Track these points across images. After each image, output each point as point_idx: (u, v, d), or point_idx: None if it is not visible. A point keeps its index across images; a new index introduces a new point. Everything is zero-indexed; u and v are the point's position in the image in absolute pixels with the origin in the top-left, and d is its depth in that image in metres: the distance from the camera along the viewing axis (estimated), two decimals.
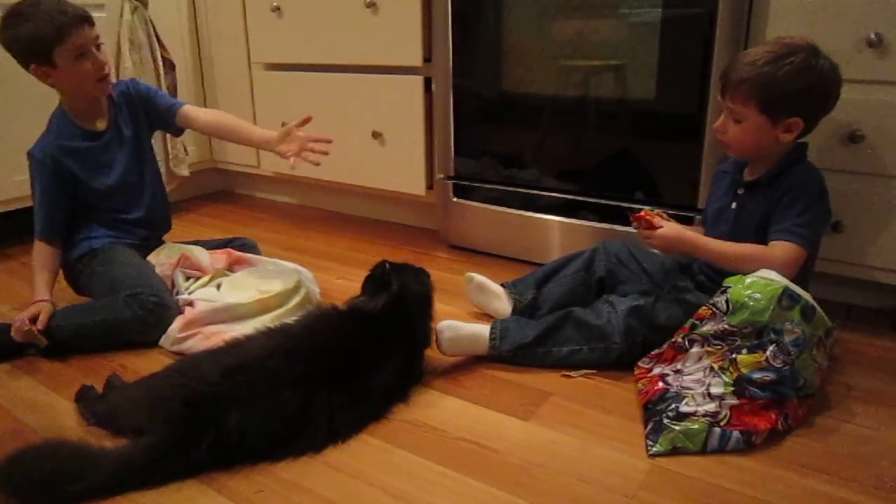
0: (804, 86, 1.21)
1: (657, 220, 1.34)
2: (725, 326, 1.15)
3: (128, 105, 1.72)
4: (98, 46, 1.56)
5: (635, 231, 1.39)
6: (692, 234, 1.34)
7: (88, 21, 1.53)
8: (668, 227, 1.34)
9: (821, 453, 1.09)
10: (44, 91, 1.60)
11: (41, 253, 1.59)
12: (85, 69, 1.54)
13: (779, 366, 1.11)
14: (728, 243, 1.31)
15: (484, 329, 1.38)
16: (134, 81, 1.78)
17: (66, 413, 1.24)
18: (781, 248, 1.24)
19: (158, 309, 1.48)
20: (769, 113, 1.24)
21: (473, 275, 1.59)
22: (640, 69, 1.63)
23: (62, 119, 1.62)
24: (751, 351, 1.13)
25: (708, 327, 1.18)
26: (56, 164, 1.59)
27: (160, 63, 2.33)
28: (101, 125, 1.67)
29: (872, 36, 1.34)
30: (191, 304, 1.52)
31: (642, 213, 1.36)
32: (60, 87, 1.59)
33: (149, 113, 1.75)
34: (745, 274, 1.19)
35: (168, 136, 2.36)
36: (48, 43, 1.48)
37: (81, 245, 1.64)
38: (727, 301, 1.16)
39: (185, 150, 2.47)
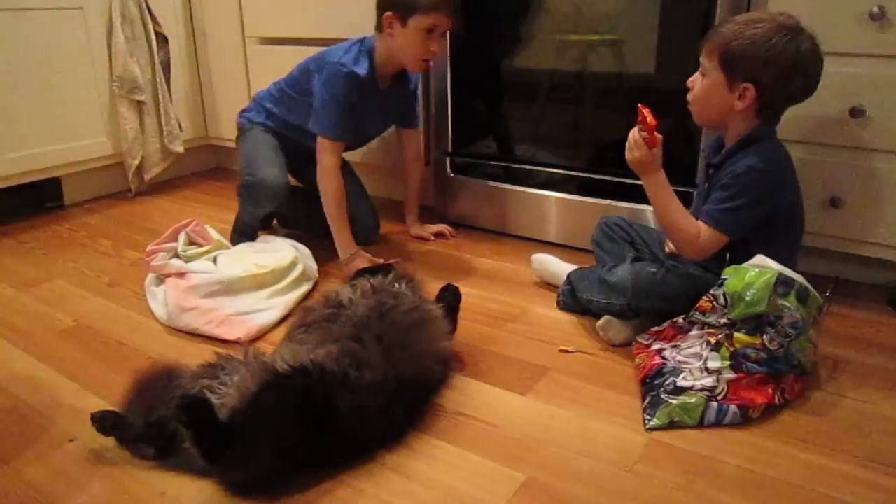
0: (767, 51, 1.17)
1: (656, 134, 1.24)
2: (726, 321, 1.15)
3: (412, 100, 1.84)
4: (444, 34, 1.64)
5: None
6: (663, 177, 1.27)
7: (455, 13, 1.61)
8: (649, 154, 1.25)
9: (817, 427, 1.10)
10: (32, 68, 1.57)
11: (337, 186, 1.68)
12: (421, 43, 1.60)
13: (773, 348, 1.11)
14: (678, 209, 1.27)
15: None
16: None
17: (63, 388, 1.24)
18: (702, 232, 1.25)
19: (252, 187, 1.67)
20: (727, 70, 1.21)
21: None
22: (639, 44, 1.62)
23: (370, 59, 1.66)
24: (749, 333, 1.13)
25: (710, 319, 1.18)
26: (356, 86, 1.64)
27: (153, 37, 2.30)
28: (384, 85, 1.74)
29: (875, 9, 1.32)
30: (183, 275, 1.51)
31: (647, 119, 1.24)
32: (391, 41, 1.63)
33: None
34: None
35: (162, 110, 2.35)
36: (415, 6, 1.56)
37: (275, 117, 1.79)
38: (724, 295, 1.15)
39: (180, 126, 2.45)
